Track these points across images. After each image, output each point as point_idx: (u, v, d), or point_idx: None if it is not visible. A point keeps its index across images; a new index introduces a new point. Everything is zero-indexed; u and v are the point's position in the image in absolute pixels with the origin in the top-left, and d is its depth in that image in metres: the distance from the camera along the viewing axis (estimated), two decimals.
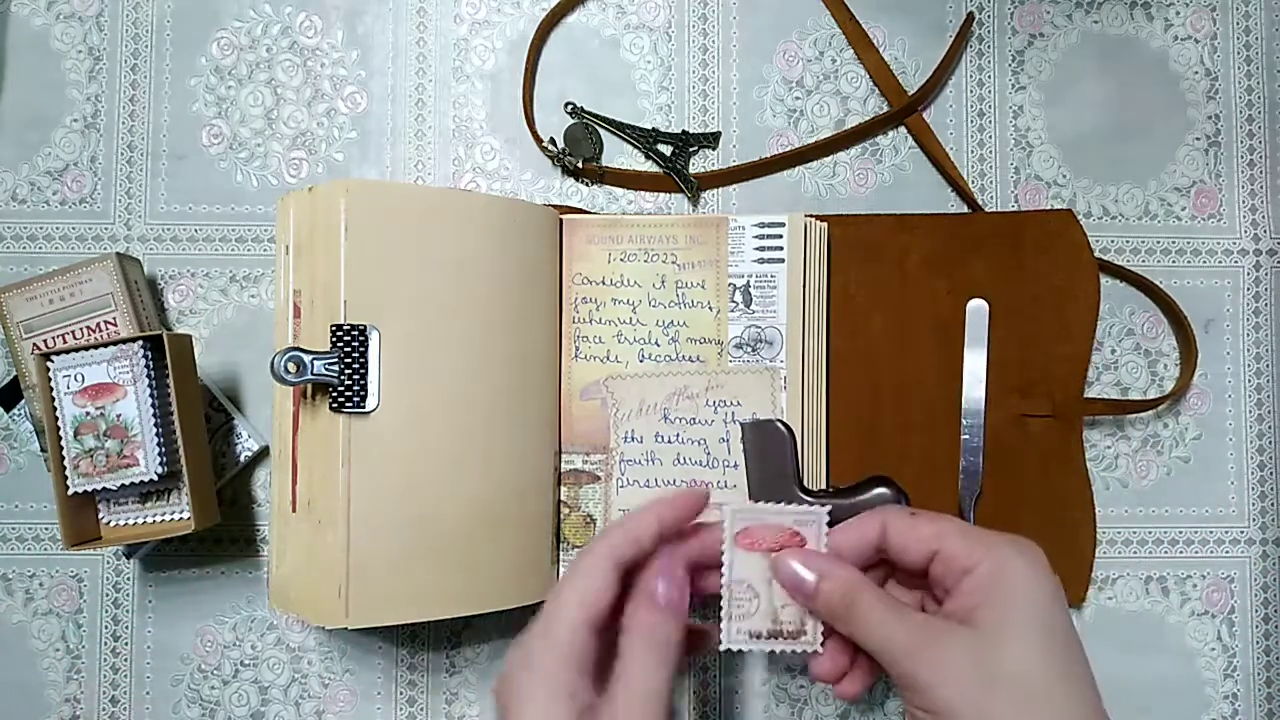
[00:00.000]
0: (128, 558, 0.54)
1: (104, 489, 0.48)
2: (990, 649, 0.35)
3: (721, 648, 0.41)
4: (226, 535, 0.55)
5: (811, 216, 0.53)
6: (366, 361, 0.44)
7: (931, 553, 0.38)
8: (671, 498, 0.40)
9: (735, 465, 0.52)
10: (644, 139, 0.56)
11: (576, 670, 0.37)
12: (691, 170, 0.56)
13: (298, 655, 0.54)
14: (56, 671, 0.54)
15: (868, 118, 0.56)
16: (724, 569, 0.42)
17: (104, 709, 0.54)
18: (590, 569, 0.38)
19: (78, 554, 0.54)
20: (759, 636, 0.42)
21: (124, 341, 0.49)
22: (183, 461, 0.48)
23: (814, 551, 0.41)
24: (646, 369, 0.53)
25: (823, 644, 0.41)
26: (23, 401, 0.52)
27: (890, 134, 0.57)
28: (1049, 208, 0.56)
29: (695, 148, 0.56)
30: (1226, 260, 0.56)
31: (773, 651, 0.43)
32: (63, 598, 0.55)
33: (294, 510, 0.47)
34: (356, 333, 0.44)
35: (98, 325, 0.51)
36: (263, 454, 0.54)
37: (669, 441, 0.52)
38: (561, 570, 0.52)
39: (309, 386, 0.46)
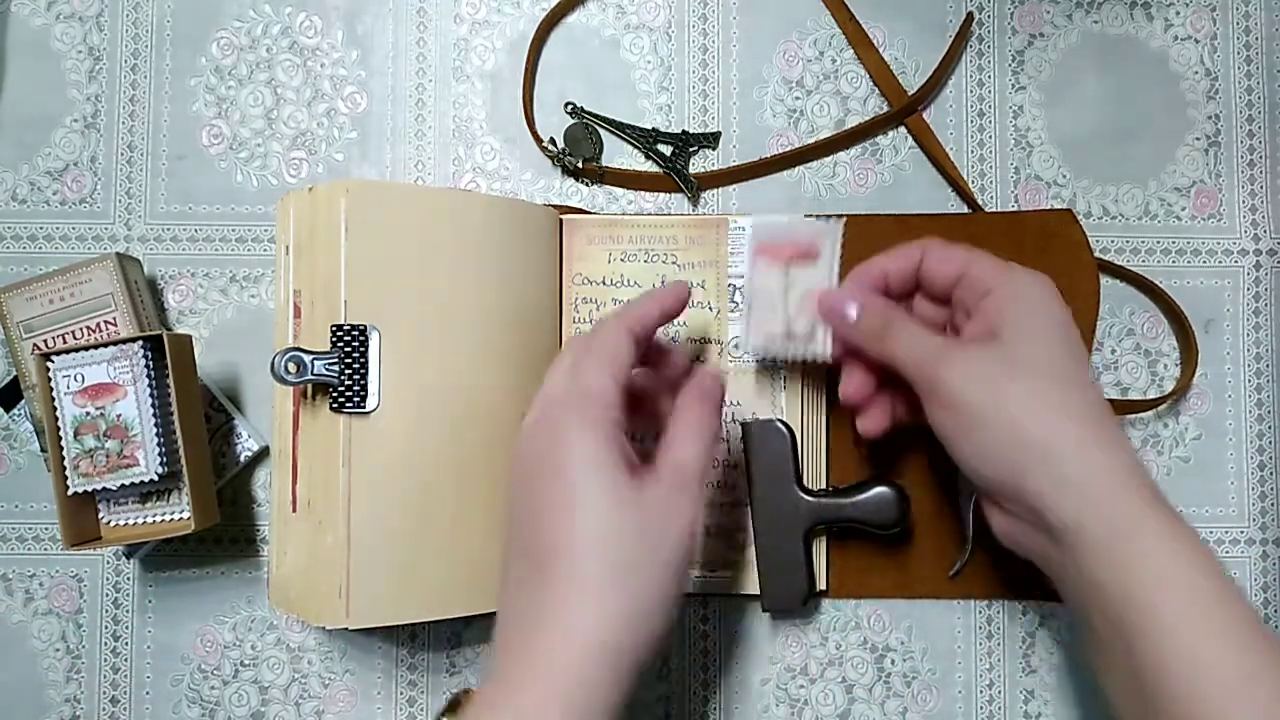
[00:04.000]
0: (128, 558, 0.54)
1: (104, 489, 0.48)
2: (1009, 350, 0.40)
3: (739, 351, 0.46)
4: (226, 535, 0.55)
5: (810, 218, 0.54)
6: (366, 361, 0.44)
7: (959, 275, 0.43)
8: (670, 289, 0.43)
9: (735, 465, 0.52)
10: (644, 139, 0.56)
11: (620, 415, 0.38)
12: (691, 170, 0.56)
13: (298, 655, 0.54)
14: (56, 671, 0.54)
15: (868, 118, 0.56)
16: (746, 278, 0.47)
17: (104, 709, 0.54)
18: (614, 335, 0.40)
19: (78, 554, 0.54)
20: (774, 338, 0.47)
21: (124, 341, 0.49)
22: (183, 461, 0.48)
23: (851, 289, 0.45)
24: None
25: (831, 354, 0.46)
26: (23, 401, 0.52)
27: (890, 134, 0.57)
28: (1049, 208, 0.56)
29: (695, 148, 0.56)
30: (1226, 260, 0.56)
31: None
32: (63, 598, 0.55)
33: (294, 510, 0.47)
34: (356, 333, 0.44)
35: (98, 325, 0.51)
36: (263, 454, 0.54)
37: None
38: None
39: (309, 386, 0.46)
